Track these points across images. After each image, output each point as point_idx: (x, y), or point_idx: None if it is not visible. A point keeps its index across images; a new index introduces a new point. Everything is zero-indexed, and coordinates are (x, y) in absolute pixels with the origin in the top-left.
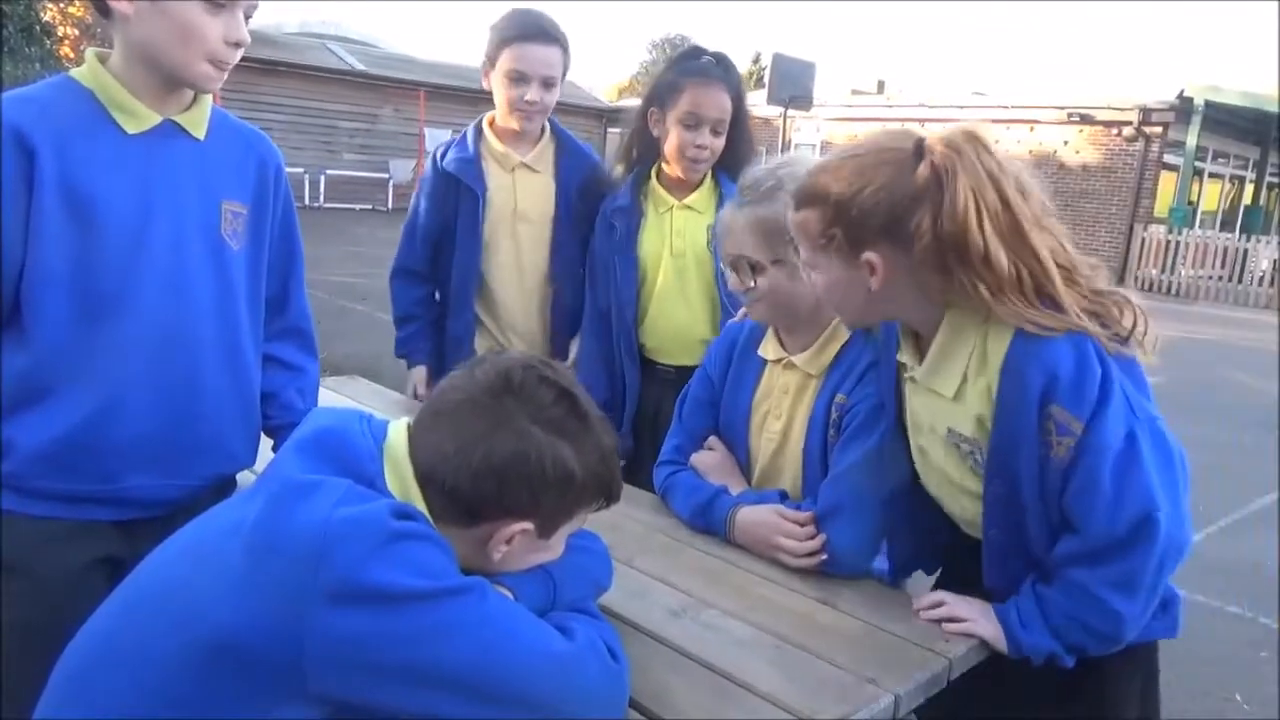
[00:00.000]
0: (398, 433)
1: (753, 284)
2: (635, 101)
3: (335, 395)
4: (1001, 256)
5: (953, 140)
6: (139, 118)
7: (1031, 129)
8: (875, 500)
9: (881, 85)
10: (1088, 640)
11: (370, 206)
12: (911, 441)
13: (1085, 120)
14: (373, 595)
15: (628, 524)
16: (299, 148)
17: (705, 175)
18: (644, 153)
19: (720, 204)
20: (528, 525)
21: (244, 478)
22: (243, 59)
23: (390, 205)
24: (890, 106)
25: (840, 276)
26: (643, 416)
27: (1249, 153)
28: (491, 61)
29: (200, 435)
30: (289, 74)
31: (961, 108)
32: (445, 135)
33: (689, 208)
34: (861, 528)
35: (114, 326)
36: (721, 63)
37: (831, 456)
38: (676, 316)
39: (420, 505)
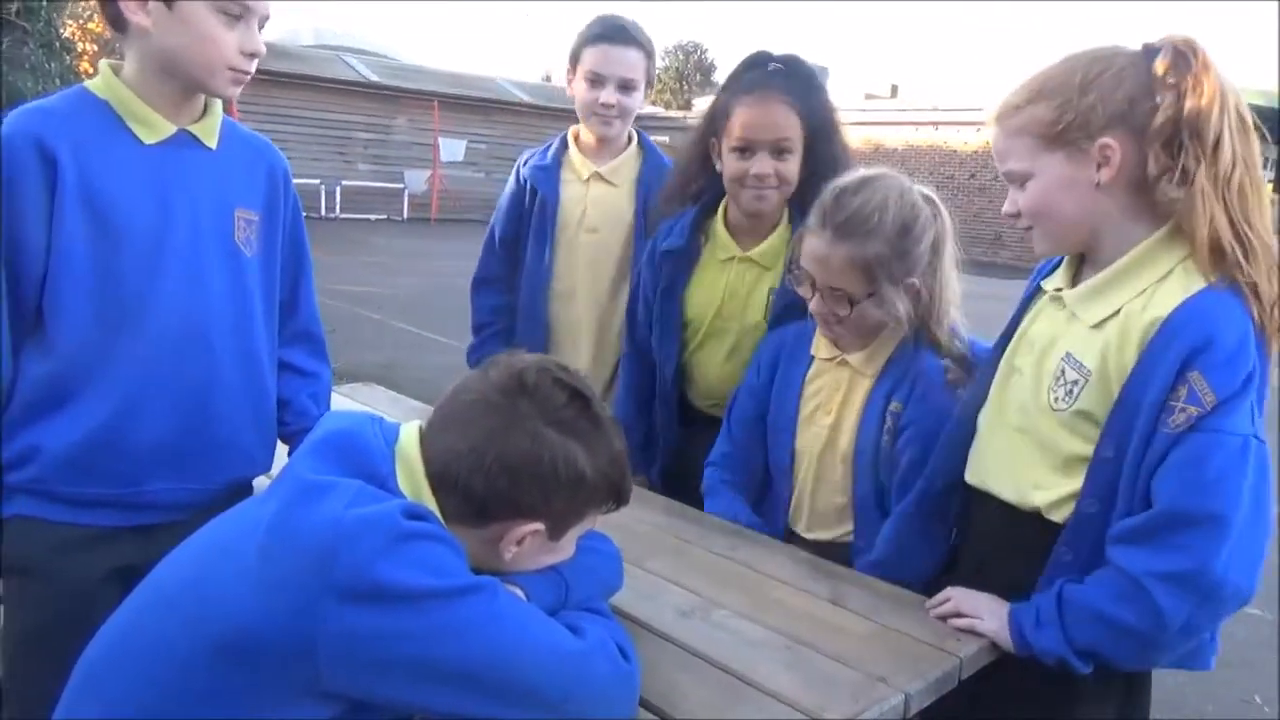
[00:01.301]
0: (409, 435)
1: (846, 313)
2: (651, 110)
3: (351, 402)
4: (1228, 149)
5: (1192, 38)
6: (154, 128)
7: None
8: (933, 536)
9: (895, 89)
10: (1114, 644)
11: (385, 216)
12: (1005, 362)
13: None
14: (384, 594)
15: (638, 526)
16: (315, 159)
17: (780, 215)
18: (706, 187)
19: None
20: (539, 526)
21: (260, 483)
22: (260, 71)
23: (405, 215)
24: (904, 110)
25: (1064, 175)
26: (682, 464)
27: (1267, 152)
28: (573, 66)
29: (217, 438)
30: (304, 86)
31: (976, 110)
32: (459, 144)
33: (752, 261)
34: (925, 564)
35: (134, 332)
36: (787, 70)
37: (884, 464)
38: (720, 377)
39: (432, 505)
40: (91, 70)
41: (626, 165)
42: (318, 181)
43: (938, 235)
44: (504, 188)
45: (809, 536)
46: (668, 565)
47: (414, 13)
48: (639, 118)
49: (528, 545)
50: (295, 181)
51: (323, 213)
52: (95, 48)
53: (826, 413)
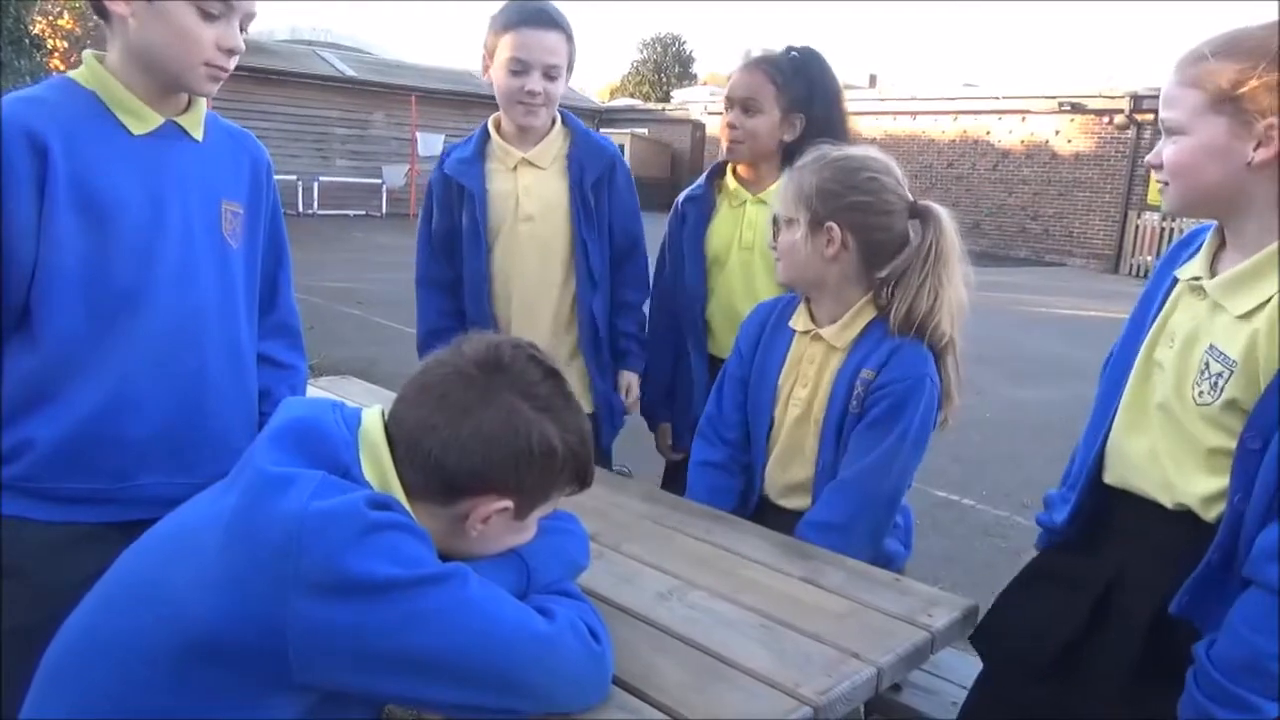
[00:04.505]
0: (372, 419)
1: (777, 238)
2: (629, 102)
3: (330, 396)
4: None
5: None
6: (143, 119)
7: (1023, 119)
8: (886, 501)
9: (874, 79)
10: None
11: (364, 212)
12: (1142, 358)
13: (1076, 109)
14: (353, 586)
15: (616, 511)
16: (293, 155)
17: (778, 167)
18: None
19: None
20: (507, 503)
21: None
22: (234, 67)
23: (384, 210)
24: (882, 100)
25: (1218, 143)
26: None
27: None
28: (490, 53)
29: (208, 432)
30: (280, 82)
31: (953, 99)
32: (437, 139)
33: (762, 201)
34: (873, 530)
35: (127, 324)
36: (797, 56)
37: (848, 432)
38: (743, 312)
39: (398, 490)
40: (63, 67)
41: (553, 145)
42: (295, 178)
43: (933, 245)
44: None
45: (784, 504)
46: (646, 549)
47: (389, 7)
48: (620, 110)
49: (494, 523)
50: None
51: (300, 209)
52: (65, 44)
53: (803, 385)
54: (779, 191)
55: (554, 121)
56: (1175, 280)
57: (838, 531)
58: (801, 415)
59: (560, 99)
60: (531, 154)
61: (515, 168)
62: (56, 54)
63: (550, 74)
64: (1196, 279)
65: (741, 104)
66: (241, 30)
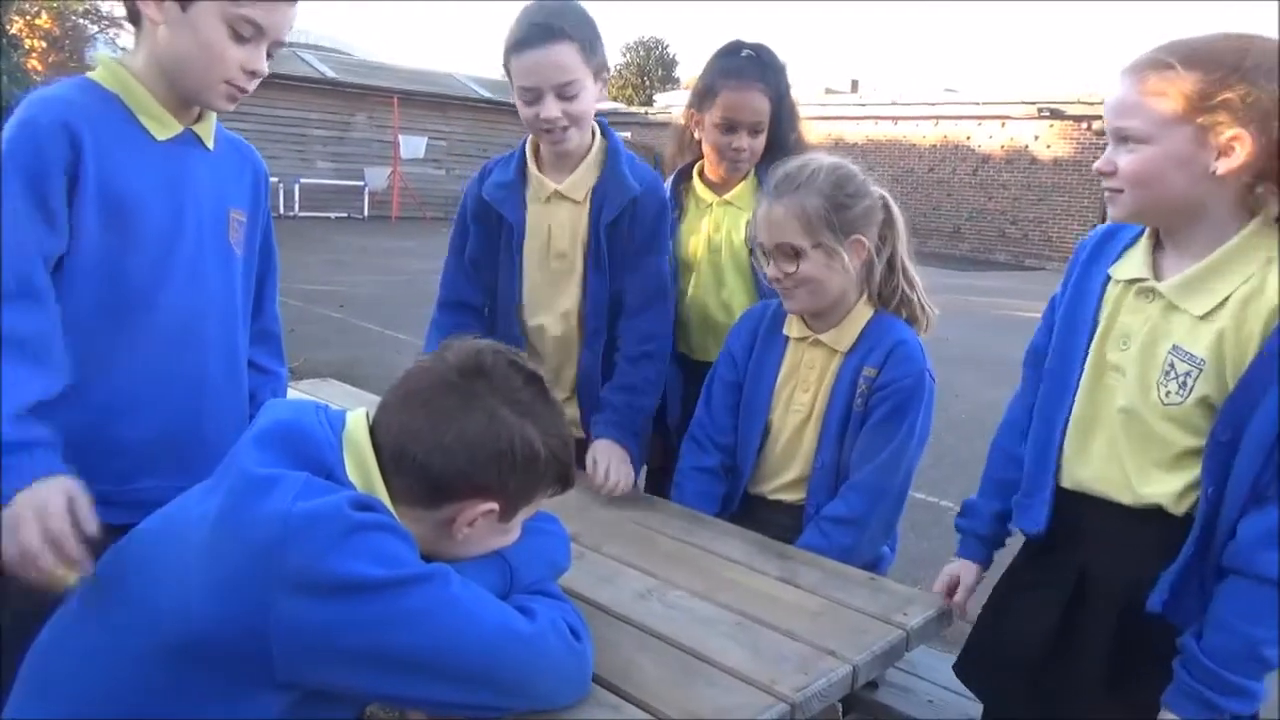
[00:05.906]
0: (357, 422)
1: (794, 269)
2: (611, 105)
3: (309, 398)
4: None
5: None
6: (166, 125)
7: (1003, 124)
8: (896, 496)
9: (855, 84)
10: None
11: (346, 214)
12: (1093, 360)
13: (1055, 115)
14: (336, 585)
15: (597, 512)
16: (273, 156)
17: (748, 172)
18: (686, 151)
19: None
20: (493, 506)
21: None
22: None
23: (366, 213)
24: (863, 105)
25: (1182, 152)
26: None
27: None
28: (508, 76)
29: (206, 436)
30: (261, 83)
31: (934, 104)
32: (420, 141)
33: (729, 203)
34: (885, 525)
35: (135, 327)
36: (759, 59)
37: (852, 430)
38: (714, 313)
39: (382, 493)
40: (40, 67)
41: (587, 176)
42: (275, 179)
43: (891, 222)
44: (466, 185)
45: (773, 497)
46: (626, 550)
47: (369, 8)
48: (603, 114)
49: (480, 526)
50: None
51: (282, 211)
52: (44, 44)
53: (805, 390)
54: (775, 220)
55: (594, 138)
56: (1108, 278)
57: (855, 526)
58: (803, 419)
59: (592, 111)
60: (564, 186)
61: (548, 200)
62: (34, 54)
63: (564, 93)
64: (1141, 280)
65: (751, 128)
66: (268, 55)
